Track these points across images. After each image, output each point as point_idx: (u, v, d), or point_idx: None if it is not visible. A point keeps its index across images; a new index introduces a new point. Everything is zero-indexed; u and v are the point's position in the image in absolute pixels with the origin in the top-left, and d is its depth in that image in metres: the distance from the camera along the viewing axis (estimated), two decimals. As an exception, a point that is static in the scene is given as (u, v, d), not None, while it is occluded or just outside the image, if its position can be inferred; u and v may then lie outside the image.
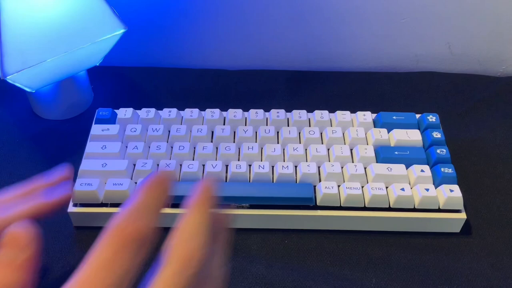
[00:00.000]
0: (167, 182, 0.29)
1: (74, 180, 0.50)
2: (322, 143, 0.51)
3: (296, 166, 0.49)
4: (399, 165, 0.48)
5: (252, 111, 0.54)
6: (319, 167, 0.49)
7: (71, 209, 0.47)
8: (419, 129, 0.53)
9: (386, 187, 0.47)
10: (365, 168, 0.49)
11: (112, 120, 0.52)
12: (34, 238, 0.29)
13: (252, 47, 0.67)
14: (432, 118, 0.53)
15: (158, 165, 0.48)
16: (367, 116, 0.53)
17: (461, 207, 0.47)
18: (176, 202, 0.47)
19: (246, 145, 0.50)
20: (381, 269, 0.45)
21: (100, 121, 0.52)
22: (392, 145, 0.51)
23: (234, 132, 0.52)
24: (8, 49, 0.47)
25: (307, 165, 0.48)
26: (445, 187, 0.47)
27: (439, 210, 0.47)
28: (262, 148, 0.50)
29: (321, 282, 0.44)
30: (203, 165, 0.49)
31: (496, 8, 0.62)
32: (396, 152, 0.50)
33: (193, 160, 0.49)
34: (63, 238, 0.47)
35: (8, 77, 0.47)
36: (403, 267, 0.46)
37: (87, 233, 0.47)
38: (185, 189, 0.46)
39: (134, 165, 0.49)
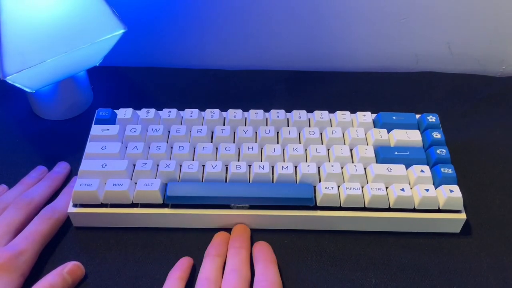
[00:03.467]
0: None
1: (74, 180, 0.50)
2: (322, 144, 0.51)
3: (296, 167, 0.49)
4: (399, 165, 0.48)
5: (252, 111, 0.54)
6: (319, 168, 0.49)
7: (71, 209, 0.47)
8: (419, 129, 0.53)
9: (386, 188, 0.47)
10: (365, 168, 0.49)
11: (112, 120, 0.52)
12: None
13: (252, 47, 0.67)
14: (432, 118, 0.53)
15: (158, 165, 0.48)
16: (367, 116, 0.53)
17: (461, 207, 0.47)
18: (175, 202, 0.47)
19: (246, 145, 0.50)
20: (381, 269, 0.45)
21: (100, 122, 0.52)
22: (392, 145, 0.51)
23: (234, 133, 0.52)
24: (8, 49, 0.47)
25: (307, 165, 0.48)
26: (445, 188, 0.47)
27: (439, 211, 0.47)
28: (262, 149, 0.50)
29: (321, 282, 0.44)
30: (203, 166, 0.49)
31: (496, 8, 0.62)
32: (396, 153, 0.50)
33: (193, 160, 0.49)
34: (63, 238, 0.47)
35: (8, 78, 0.47)
36: (403, 267, 0.46)
37: (87, 233, 0.47)
38: (185, 189, 0.46)
39: (134, 165, 0.49)
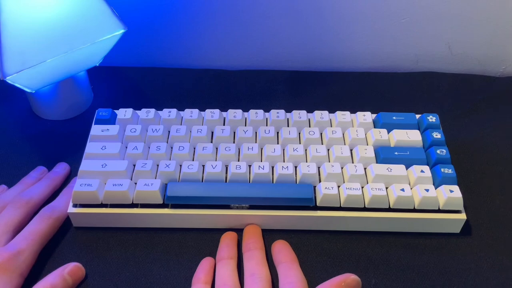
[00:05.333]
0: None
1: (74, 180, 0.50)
2: (322, 144, 0.51)
3: (296, 167, 0.49)
4: (399, 165, 0.48)
5: (252, 111, 0.54)
6: (319, 168, 0.49)
7: (71, 209, 0.47)
8: (419, 129, 0.53)
9: (386, 188, 0.47)
10: (365, 168, 0.49)
11: (112, 120, 0.52)
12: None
13: (252, 47, 0.67)
14: (432, 118, 0.53)
15: (158, 165, 0.48)
16: (367, 117, 0.53)
17: (461, 207, 0.47)
18: (175, 202, 0.47)
19: (246, 145, 0.50)
20: (381, 269, 0.45)
21: (100, 122, 0.52)
22: (392, 145, 0.51)
23: (234, 133, 0.52)
24: (8, 49, 0.47)
25: (307, 165, 0.48)
26: (445, 188, 0.47)
27: (439, 211, 0.47)
28: (262, 149, 0.50)
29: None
30: (203, 166, 0.49)
31: (496, 8, 0.62)
32: (396, 153, 0.50)
33: (193, 160, 0.49)
34: (63, 238, 0.47)
35: (8, 78, 0.47)
36: (403, 267, 0.46)
37: (87, 234, 0.47)
38: (185, 190, 0.46)
39: (134, 165, 0.49)
